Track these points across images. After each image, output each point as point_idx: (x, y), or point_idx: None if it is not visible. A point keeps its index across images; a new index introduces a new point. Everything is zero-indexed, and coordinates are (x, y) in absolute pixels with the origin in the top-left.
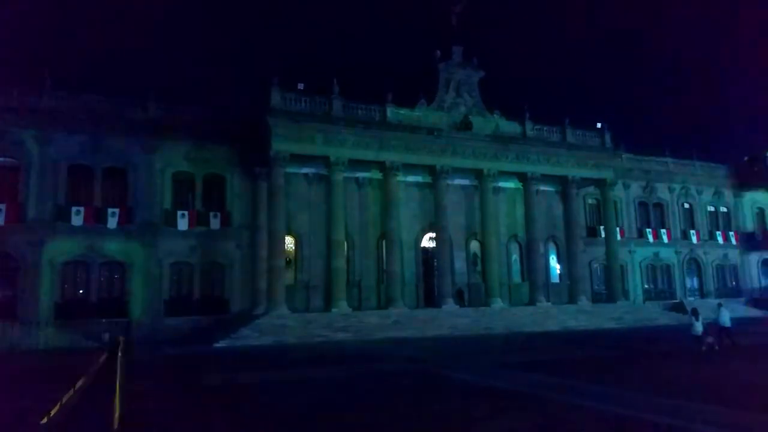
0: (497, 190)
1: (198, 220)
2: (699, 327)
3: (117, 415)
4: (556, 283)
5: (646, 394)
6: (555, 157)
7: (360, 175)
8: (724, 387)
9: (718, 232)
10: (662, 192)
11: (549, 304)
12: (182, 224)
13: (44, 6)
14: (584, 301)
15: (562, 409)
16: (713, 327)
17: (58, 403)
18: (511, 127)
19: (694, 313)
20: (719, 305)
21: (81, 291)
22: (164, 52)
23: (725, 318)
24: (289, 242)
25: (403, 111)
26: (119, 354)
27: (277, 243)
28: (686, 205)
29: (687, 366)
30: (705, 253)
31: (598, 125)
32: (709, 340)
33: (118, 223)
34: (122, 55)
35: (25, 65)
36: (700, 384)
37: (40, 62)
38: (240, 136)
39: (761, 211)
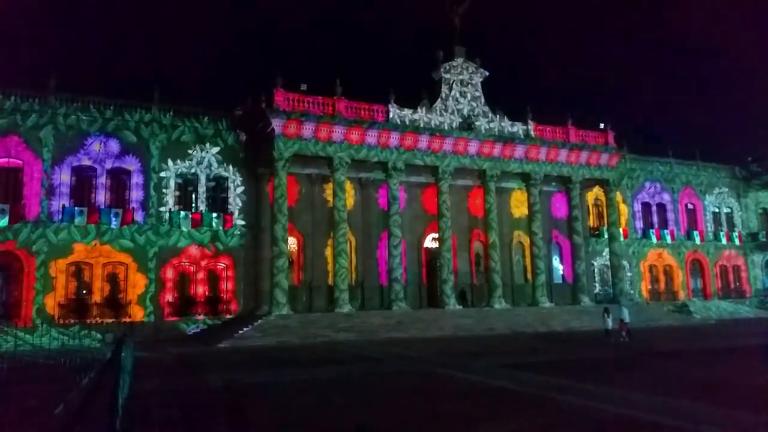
0: (500, 191)
1: (201, 221)
2: (609, 323)
3: (120, 415)
4: (559, 284)
5: (647, 395)
6: (558, 157)
7: (363, 175)
8: (719, 387)
9: (721, 233)
10: (665, 192)
11: (552, 304)
12: (185, 225)
13: (51, 8)
14: (587, 302)
15: (565, 409)
16: (620, 323)
17: (62, 404)
18: (514, 127)
19: (606, 311)
20: (620, 305)
21: (84, 291)
22: (168, 52)
23: (625, 315)
24: (292, 243)
25: (405, 111)
26: (120, 353)
27: (279, 244)
28: (690, 206)
29: (690, 367)
30: (708, 254)
31: (602, 125)
32: (623, 333)
33: (122, 224)
34: (125, 55)
35: (29, 66)
36: (702, 384)
37: (44, 63)
38: (243, 137)
39: (765, 211)
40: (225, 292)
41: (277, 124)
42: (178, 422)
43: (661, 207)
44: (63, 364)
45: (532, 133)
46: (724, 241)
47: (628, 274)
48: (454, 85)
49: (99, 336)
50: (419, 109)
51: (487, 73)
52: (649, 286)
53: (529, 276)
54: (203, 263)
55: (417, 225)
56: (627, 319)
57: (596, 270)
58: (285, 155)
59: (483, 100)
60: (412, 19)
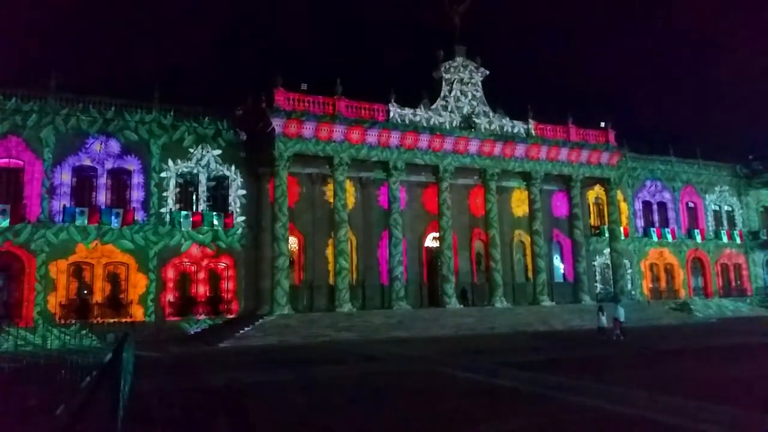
0: (501, 190)
1: (202, 220)
2: (604, 321)
3: (121, 415)
4: (560, 283)
5: (647, 393)
6: (559, 156)
7: (363, 174)
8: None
9: (722, 231)
10: (666, 191)
11: (553, 303)
12: (186, 225)
13: (51, 8)
14: (588, 301)
15: (565, 407)
16: (615, 321)
17: (63, 403)
18: (514, 127)
19: (600, 309)
20: (617, 303)
21: (85, 291)
22: (168, 52)
23: (620, 314)
24: (293, 242)
25: (406, 111)
26: (121, 353)
27: (280, 243)
28: (690, 204)
29: (690, 365)
30: (709, 252)
31: (602, 124)
32: (617, 331)
33: (123, 224)
34: (126, 55)
35: (29, 67)
36: (702, 382)
37: (44, 64)
38: (243, 137)
39: (766, 209)
40: (226, 291)
41: (277, 123)
42: (179, 422)
43: (662, 205)
44: (64, 364)
45: (532, 132)
46: (725, 239)
47: (629, 272)
48: (454, 84)
49: (100, 336)
50: (420, 109)
51: (488, 72)
52: (650, 285)
53: (530, 275)
54: (204, 263)
55: (418, 224)
56: (622, 318)
57: (597, 269)
58: (285, 155)
59: (483, 99)
60: (412, 18)
